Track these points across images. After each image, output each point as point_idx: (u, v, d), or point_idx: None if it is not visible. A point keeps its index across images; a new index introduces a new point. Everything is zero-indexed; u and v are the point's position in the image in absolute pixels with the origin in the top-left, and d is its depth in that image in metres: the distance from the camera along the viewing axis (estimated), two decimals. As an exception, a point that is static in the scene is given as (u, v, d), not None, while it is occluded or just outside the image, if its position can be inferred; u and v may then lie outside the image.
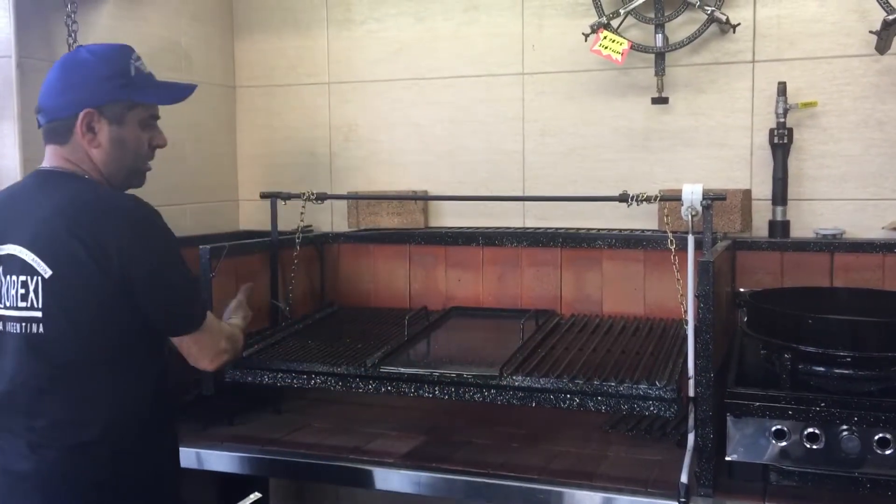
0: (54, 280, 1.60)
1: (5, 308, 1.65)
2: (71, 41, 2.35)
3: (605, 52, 2.58)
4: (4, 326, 1.65)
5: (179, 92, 1.91)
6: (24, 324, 1.62)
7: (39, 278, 1.60)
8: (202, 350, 1.79)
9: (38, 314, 1.61)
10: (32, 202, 1.69)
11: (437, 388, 2.09)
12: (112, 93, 1.74)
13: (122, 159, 1.78)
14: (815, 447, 1.84)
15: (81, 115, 1.72)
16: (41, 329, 1.61)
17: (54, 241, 1.61)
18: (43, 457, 1.63)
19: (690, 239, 1.99)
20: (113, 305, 1.63)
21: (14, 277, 1.62)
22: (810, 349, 1.91)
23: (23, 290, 1.61)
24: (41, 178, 1.76)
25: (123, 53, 1.80)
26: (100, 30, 2.54)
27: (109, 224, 1.63)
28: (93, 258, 1.59)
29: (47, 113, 1.76)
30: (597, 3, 2.63)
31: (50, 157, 1.77)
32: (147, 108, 1.81)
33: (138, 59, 1.82)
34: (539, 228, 2.83)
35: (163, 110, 1.90)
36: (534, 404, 2.02)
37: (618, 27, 2.63)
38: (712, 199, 2.04)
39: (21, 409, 1.64)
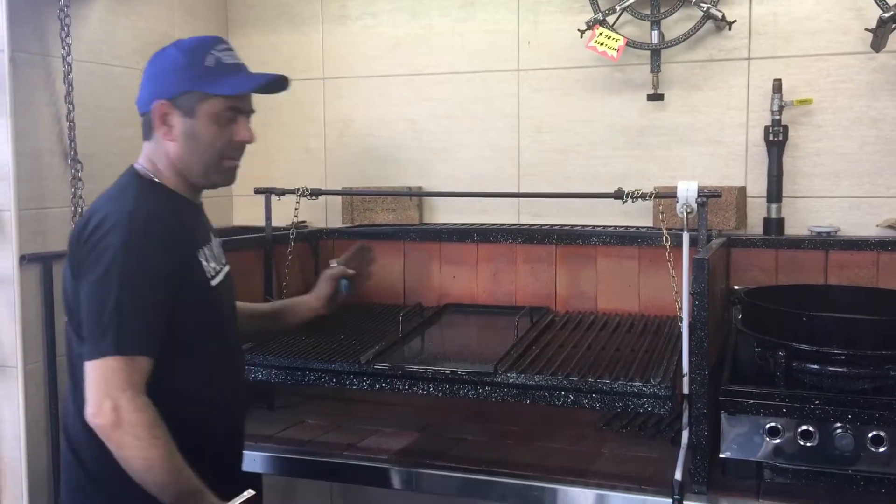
0: None
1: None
2: (63, 35, 2.33)
3: (601, 49, 2.58)
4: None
5: (253, 81, 1.70)
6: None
7: None
8: None
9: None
10: None
11: (431, 385, 2.09)
12: (182, 84, 1.65)
13: (197, 154, 1.67)
14: (808, 444, 1.85)
15: (154, 106, 1.65)
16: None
17: None
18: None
19: (685, 236, 1.99)
20: None
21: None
22: (804, 347, 1.91)
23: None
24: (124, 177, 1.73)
25: (205, 44, 1.68)
26: (93, 24, 2.53)
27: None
28: None
29: (138, 108, 1.71)
30: (592, 0, 2.63)
31: (142, 153, 1.73)
32: (225, 101, 1.66)
33: (226, 49, 1.69)
34: (534, 225, 2.82)
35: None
36: (528, 401, 2.02)
37: (613, 24, 2.63)
38: (707, 196, 2.04)
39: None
